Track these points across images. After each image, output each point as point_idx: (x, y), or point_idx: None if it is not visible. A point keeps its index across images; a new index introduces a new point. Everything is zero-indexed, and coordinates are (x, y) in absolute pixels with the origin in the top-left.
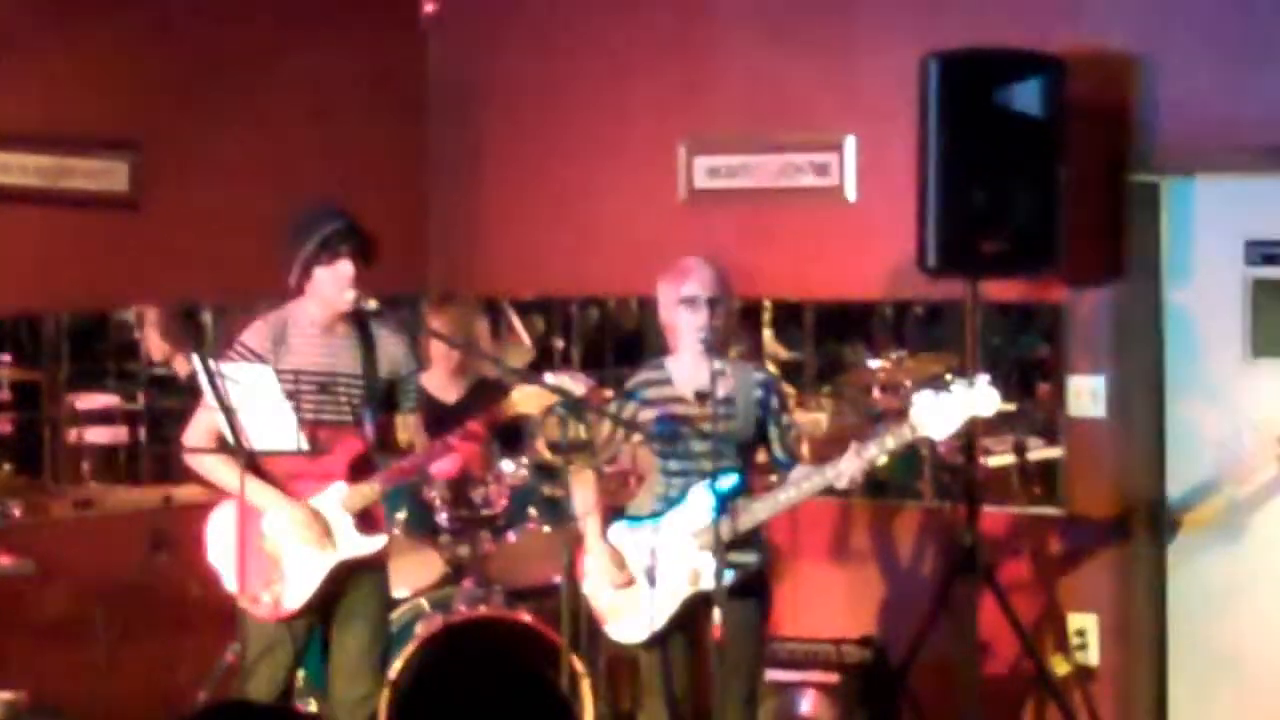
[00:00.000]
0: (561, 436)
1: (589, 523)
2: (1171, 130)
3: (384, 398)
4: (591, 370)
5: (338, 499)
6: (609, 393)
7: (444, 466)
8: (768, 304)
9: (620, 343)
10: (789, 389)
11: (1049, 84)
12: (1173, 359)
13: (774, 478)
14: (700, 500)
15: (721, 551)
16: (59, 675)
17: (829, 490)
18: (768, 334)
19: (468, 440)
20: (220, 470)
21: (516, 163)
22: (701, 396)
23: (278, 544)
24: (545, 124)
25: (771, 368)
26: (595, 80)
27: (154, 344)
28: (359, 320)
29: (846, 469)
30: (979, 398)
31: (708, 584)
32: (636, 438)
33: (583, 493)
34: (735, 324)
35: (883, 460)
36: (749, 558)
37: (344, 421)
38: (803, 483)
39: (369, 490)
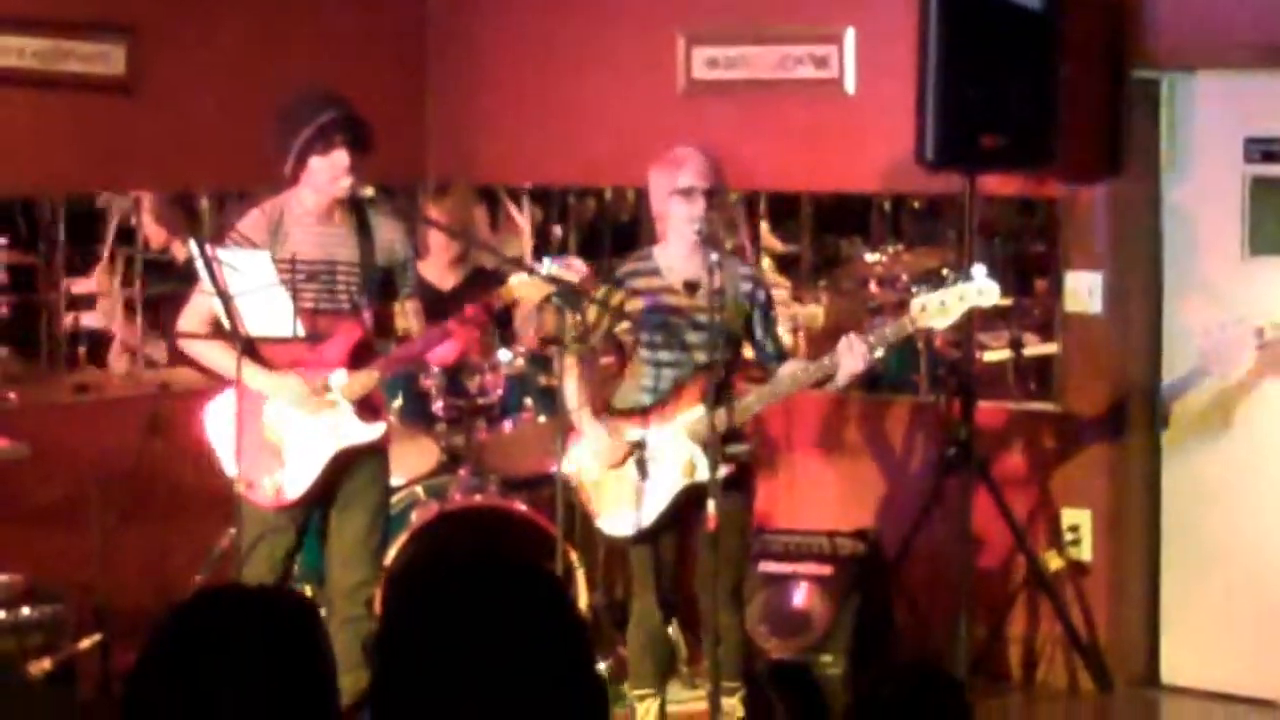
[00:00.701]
0: (557, 325)
1: (583, 411)
2: (1172, 25)
3: (381, 285)
4: (588, 260)
5: (338, 386)
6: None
7: (443, 353)
8: (764, 196)
9: (617, 232)
10: (785, 281)
11: None
12: (1170, 256)
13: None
14: (693, 390)
15: (717, 442)
16: (55, 559)
17: (825, 383)
18: (764, 226)
19: (466, 326)
20: (217, 355)
21: (515, 52)
22: (691, 287)
23: (279, 432)
24: (544, 12)
25: (768, 261)
26: None
27: (152, 230)
28: (355, 208)
29: (846, 364)
30: (977, 289)
31: (702, 476)
32: (623, 327)
33: (574, 380)
34: (730, 215)
35: (880, 353)
36: (738, 449)
37: (342, 310)
38: (798, 374)
39: (368, 377)
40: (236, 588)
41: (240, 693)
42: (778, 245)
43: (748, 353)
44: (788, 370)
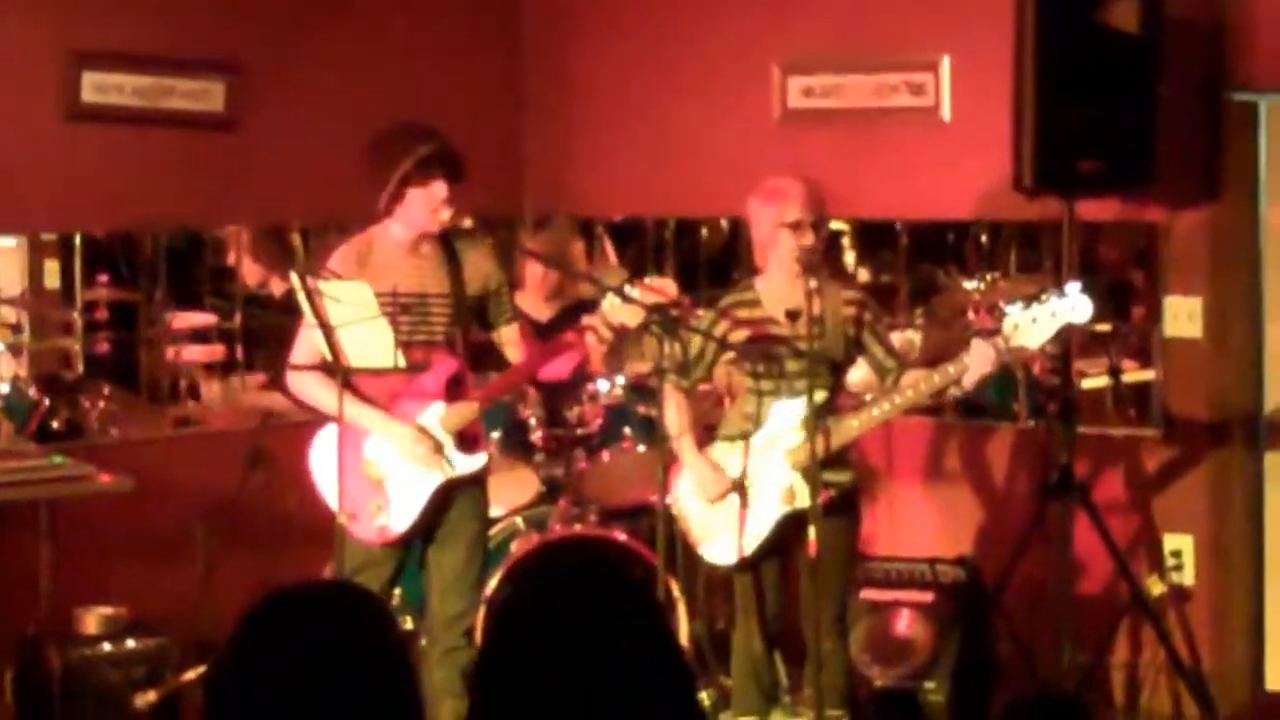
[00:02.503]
0: (657, 354)
1: (683, 440)
2: (1270, 48)
3: (475, 315)
4: (684, 291)
5: (437, 418)
6: (700, 311)
7: (558, 368)
8: (857, 226)
9: (713, 264)
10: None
11: (1146, 1)
12: (1270, 279)
13: (869, 398)
14: (793, 418)
15: (817, 469)
16: (159, 592)
17: (924, 409)
18: (850, 256)
19: (559, 352)
20: (321, 394)
21: (611, 83)
22: (793, 316)
23: (381, 467)
24: (640, 44)
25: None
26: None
27: (248, 268)
28: (443, 239)
29: (977, 365)
30: (1072, 305)
31: (803, 502)
32: (727, 358)
33: (676, 411)
34: (828, 244)
35: (986, 370)
36: (841, 476)
37: (436, 341)
38: (920, 383)
39: (467, 409)
40: (305, 585)
41: (317, 687)
42: (861, 274)
43: (854, 375)
44: (910, 379)
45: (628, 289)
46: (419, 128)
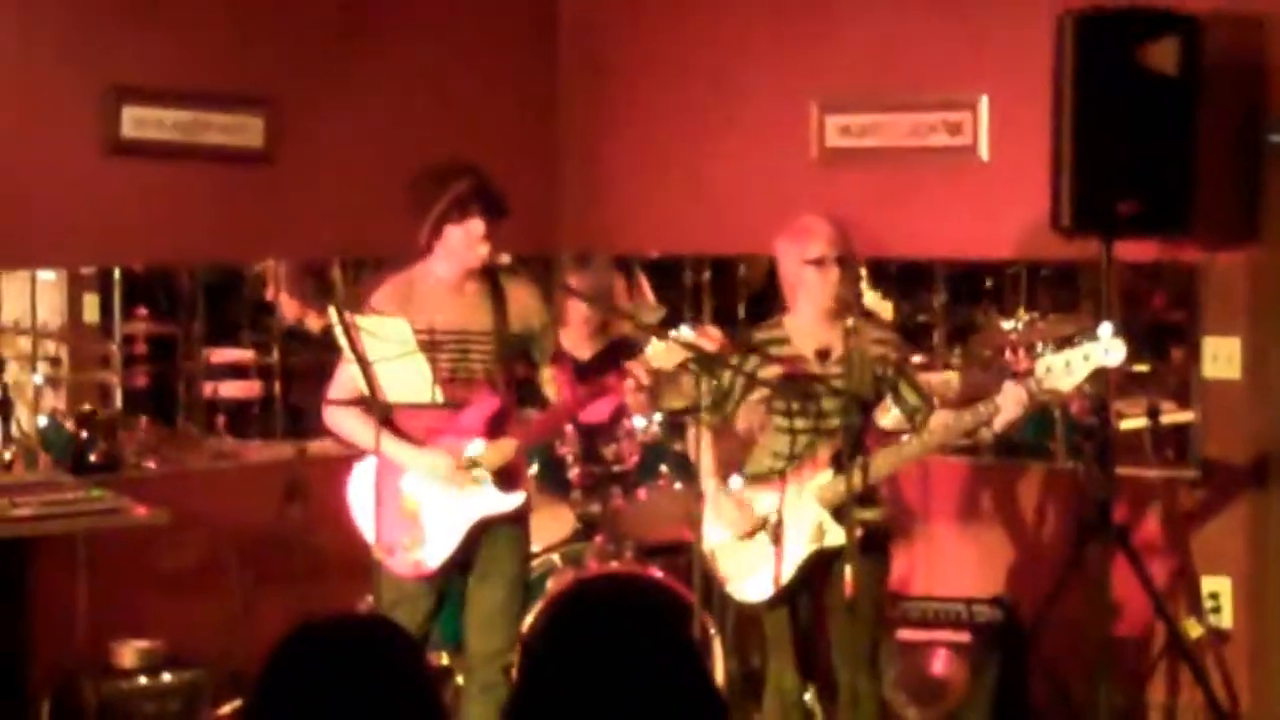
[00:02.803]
0: (692, 392)
1: (712, 477)
2: None
3: (518, 353)
4: (722, 328)
5: (478, 457)
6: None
7: (597, 410)
8: (893, 265)
9: (752, 302)
10: (916, 355)
11: (1185, 42)
12: None
13: (905, 438)
14: (824, 457)
15: (851, 507)
16: (194, 625)
17: (959, 448)
18: (871, 294)
19: (600, 394)
20: (358, 429)
21: (648, 122)
22: (822, 355)
23: (417, 501)
24: (678, 82)
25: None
26: (727, 38)
27: (285, 304)
28: (489, 276)
29: (1008, 408)
30: (1105, 349)
31: (832, 540)
32: (755, 396)
33: (708, 449)
34: (857, 282)
35: (1017, 413)
36: (870, 514)
37: (477, 378)
38: (950, 423)
39: (507, 446)
40: (335, 618)
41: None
42: (883, 310)
43: (884, 420)
44: (939, 420)
45: (676, 333)
46: (457, 165)
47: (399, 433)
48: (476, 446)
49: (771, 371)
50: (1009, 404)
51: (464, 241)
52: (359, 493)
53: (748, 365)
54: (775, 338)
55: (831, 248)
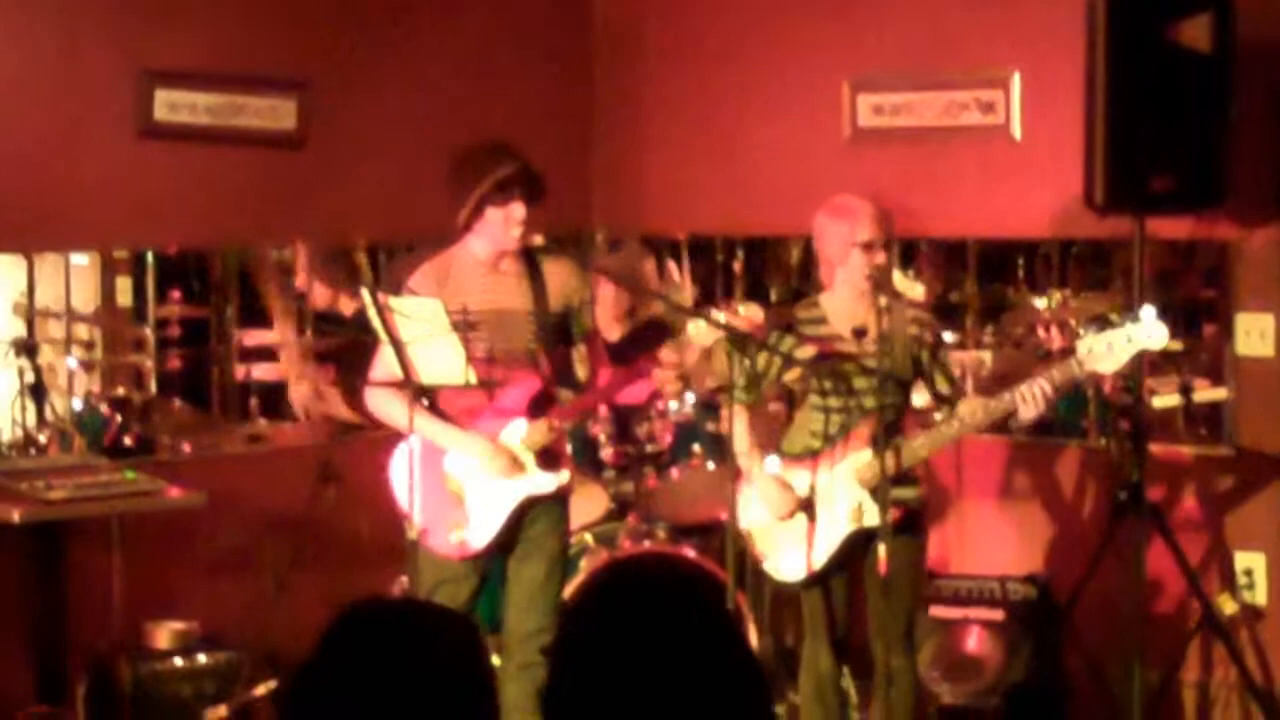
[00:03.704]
0: (727, 372)
1: (750, 456)
2: None
3: (558, 332)
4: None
5: (518, 436)
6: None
7: (635, 392)
8: (926, 243)
9: (783, 281)
10: (950, 332)
11: (1217, 18)
12: None
13: (938, 415)
14: (861, 435)
15: (887, 486)
16: (230, 607)
17: (993, 427)
18: (900, 275)
19: (638, 377)
20: (396, 411)
21: (680, 102)
22: (859, 333)
23: (461, 482)
24: (709, 63)
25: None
26: (759, 18)
27: (315, 290)
28: (526, 256)
29: (1025, 411)
30: (1146, 331)
31: (870, 520)
32: (791, 374)
33: (744, 427)
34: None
35: (1051, 395)
36: (907, 493)
37: (517, 358)
38: (977, 411)
39: (548, 426)
40: (399, 600)
41: (399, 706)
42: (918, 291)
43: (917, 399)
44: (966, 409)
45: (716, 314)
46: (501, 148)
47: (441, 414)
48: (518, 427)
49: (808, 351)
50: (1030, 404)
51: (503, 224)
52: (401, 472)
53: (784, 345)
54: (812, 316)
55: (879, 231)
